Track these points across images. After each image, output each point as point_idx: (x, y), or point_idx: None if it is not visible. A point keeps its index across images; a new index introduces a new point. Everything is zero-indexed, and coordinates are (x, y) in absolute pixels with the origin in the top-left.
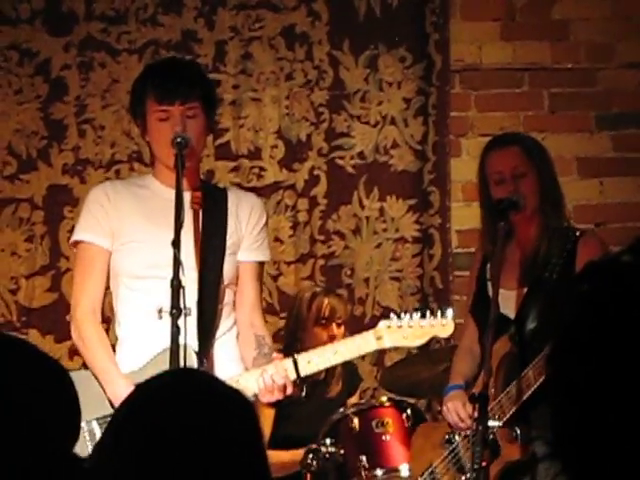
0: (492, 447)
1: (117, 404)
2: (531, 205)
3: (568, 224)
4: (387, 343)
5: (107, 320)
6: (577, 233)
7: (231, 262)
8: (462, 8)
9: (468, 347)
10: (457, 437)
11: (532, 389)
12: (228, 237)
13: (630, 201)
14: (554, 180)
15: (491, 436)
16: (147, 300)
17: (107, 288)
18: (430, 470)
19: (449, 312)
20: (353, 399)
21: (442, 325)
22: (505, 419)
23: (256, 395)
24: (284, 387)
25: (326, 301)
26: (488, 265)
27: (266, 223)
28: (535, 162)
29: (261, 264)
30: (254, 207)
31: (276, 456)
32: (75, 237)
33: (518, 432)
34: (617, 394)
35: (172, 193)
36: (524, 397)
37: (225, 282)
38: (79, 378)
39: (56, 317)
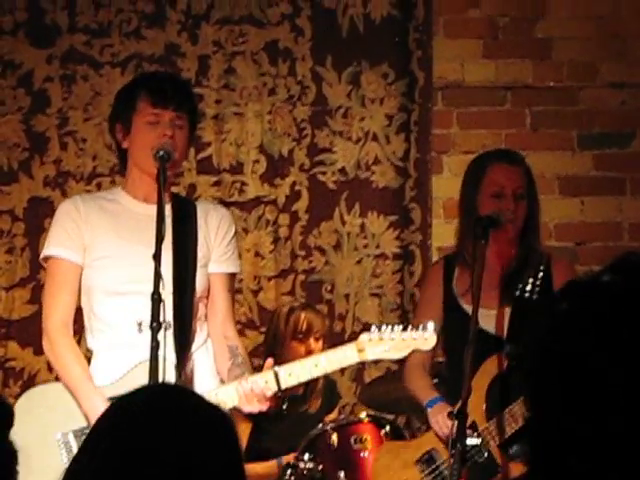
0: (489, 466)
1: (92, 419)
2: (517, 228)
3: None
4: (369, 355)
5: (75, 332)
6: (546, 254)
7: (202, 274)
8: (445, 26)
9: (420, 362)
10: (440, 455)
11: None
12: (199, 249)
13: (611, 220)
14: (538, 206)
15: (486, 454)
16: (125, 315)
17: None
18: None
19: (430, 325)
20: (331, 416)
21: (424, 338)
22: (505, 437)
23: (234, 408)
24: (263, 397)
25: (303, 315)
26: (454, 281)
27: (235, 235)
28: (531, 187)
29: (231, 275)
30: (223, 218)
31: (251, 469)
32: (46, 252)
33: (511, 450)
34: (595, 411)
35: (143, 207)
36: None
37: (197, 295)
38: (55, 390)
39: (35, 329)
